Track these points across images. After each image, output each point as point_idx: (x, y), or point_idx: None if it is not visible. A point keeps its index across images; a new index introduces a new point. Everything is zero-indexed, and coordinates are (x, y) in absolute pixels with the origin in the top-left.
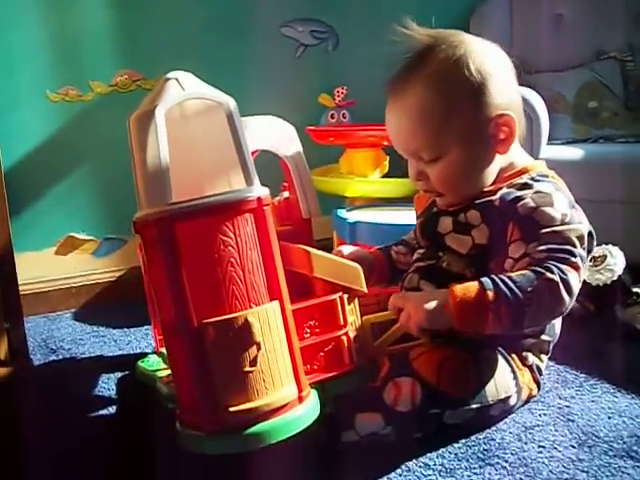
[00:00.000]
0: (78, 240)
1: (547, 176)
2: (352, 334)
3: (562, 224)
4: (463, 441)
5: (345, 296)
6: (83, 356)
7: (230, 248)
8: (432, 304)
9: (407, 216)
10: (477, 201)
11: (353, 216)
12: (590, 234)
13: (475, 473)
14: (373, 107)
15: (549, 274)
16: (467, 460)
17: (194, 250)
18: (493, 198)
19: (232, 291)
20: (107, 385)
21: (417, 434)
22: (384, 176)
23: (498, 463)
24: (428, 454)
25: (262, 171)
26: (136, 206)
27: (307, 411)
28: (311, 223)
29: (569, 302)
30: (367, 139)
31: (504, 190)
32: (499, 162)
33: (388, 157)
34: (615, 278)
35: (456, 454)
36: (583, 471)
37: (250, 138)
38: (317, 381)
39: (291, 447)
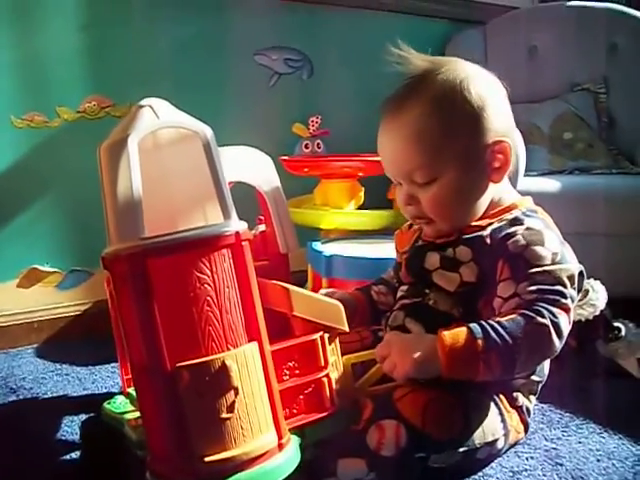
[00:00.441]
0: (42, 272)
1: (536, 212)
2: (333, 375)
3: (553, 263)
4: None
5: (326, 335)
6: (45, 396)
7: (206, 286)
8: (419, 353)
9: (384, 249)
10: (466, 236)
11: (329, 249)
12: (580, 273)
13: None
14: (348, 137)
15: (540, 318)
16: None
17: (168, 288)
18: (483, 234)
19: (208, 332)
20: (71, 428)
21: (401, 479)
22: (359, 208)
23: None
24: None
25: (236, 203)
26: (104, 237)
27: (287, 459)
28: (288, 258)
29: (559, 345)
30: (342, 170)
31: (494, 225)
32: (491, 193)
33: (363, 188)
34: (597, 313)
35: None
36: None
37: (226, 169)
38: (297, 426)
39: None
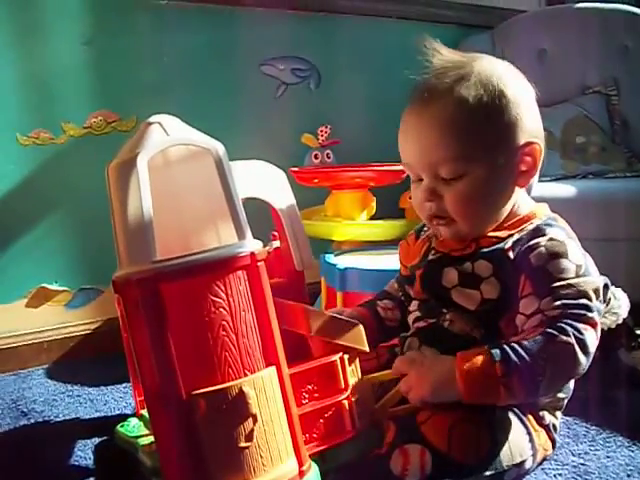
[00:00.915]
0: (51, 291)
1: (556, 220)
2: (353, 397)
3: (577, 276)
4: None
5: (346, 356)
6: (57, 419)
7: (222, 310)
8: (436, 377)
9: (398, 260)
10: (485, 250)
11: (342, 262)
12: (605, 285)
13: None
14: (358, 146)
15: (563, 337)
16: None
17: (181, 313)
18: (504, 246)
19: (224, 358)
20: (84, 452)
21: None
22: (371, 218)
23: None
24: None
25: (248, 218)
26: (113, 254)
27: None
28: (304, 275)
29: (586, 363)
30: (354, 180)
31: (515, 237)
32: (514, 199)
33: (375, 198)
34: (620, 321)
35: None
36: None
37: (237, 185)
38: (317, 451)
39: None
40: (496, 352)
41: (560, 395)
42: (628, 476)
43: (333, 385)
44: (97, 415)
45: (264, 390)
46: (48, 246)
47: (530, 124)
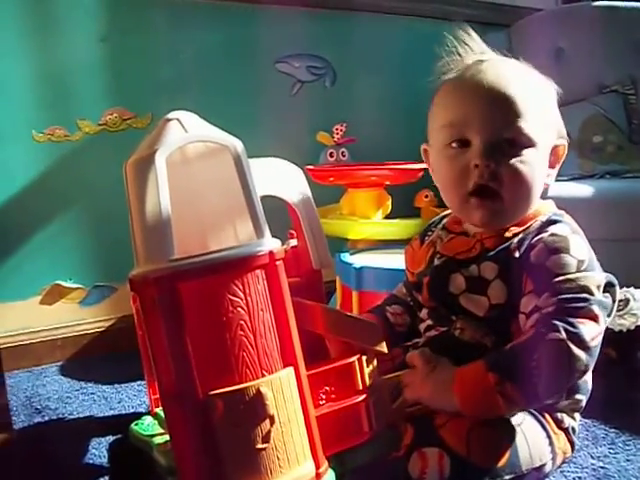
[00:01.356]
0: (65, 288)
1: (562, 215)
2: (371, 399)
3: (578, 271)
4: None
5: (364, 358)
6: (71, 417)
7: (239, 309)
8: (437, 385)
9: None
10: (491, 252)
11: (358, 261)
12: (611, 283)
13: None
14: (373, 144)
15: (553, 334)
16: None
17: (199, 312)
18: (510, 247)
19: (242, 358)
20: (98, 451)
21: None
22: (387, 217)
23: None
24: None
25: (266, 216)
26: (128, 251)
27: None
28: (322, 275)
29: (587, 357)
30: (369, 178)
31: (520, 236)
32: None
33: (390, 197)
34: (639, 323)
35: None
36: None
37: (255, 183)
38: (334, 453)
39: None
40: (488, 360)
41: (578, 397)
42: None
43: (351, 386)
44: (111, 413)
45: (282, 391)
46: (62, 243)
47: (560, 124)
